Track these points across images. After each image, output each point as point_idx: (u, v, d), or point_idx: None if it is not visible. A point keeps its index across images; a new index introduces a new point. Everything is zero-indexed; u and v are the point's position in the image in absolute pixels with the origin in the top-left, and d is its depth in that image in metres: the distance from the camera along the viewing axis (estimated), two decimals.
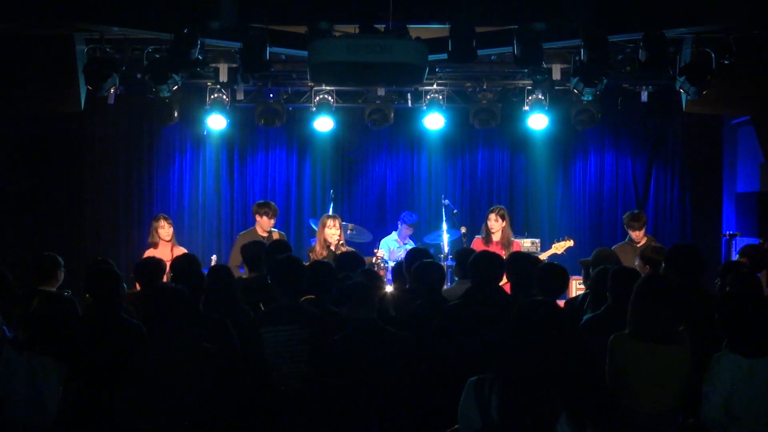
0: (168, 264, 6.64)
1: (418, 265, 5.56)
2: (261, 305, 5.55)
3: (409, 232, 9.34)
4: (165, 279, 6.69)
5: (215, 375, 4.35)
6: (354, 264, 6.11)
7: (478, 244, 8.43)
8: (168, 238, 8.53)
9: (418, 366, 4.46)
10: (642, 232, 8.38)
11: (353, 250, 7.76)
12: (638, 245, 8.19)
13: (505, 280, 5.51)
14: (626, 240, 8.52)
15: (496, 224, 8.57)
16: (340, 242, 8.15)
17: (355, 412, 4.30)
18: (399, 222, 9.42)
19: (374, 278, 5.52)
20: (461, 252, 6.60)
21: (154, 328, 4.46)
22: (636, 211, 8.61)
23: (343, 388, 4.31)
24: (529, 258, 5.86)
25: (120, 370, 4.44)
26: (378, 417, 4.31)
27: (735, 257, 7.76)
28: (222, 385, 4.41)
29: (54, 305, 5.46)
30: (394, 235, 9.41)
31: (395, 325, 4.86)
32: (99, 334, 4.77)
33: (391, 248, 9.14)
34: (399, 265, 6.44)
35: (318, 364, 4.49)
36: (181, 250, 8.28)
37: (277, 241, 7.93)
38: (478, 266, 5.23)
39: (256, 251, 6.67)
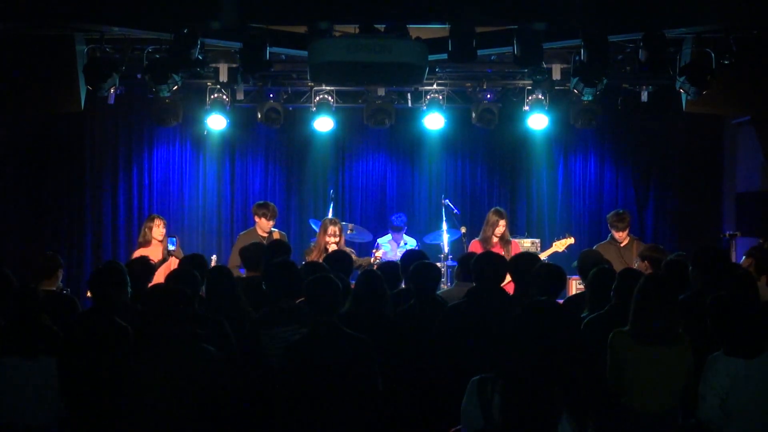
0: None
1: (416, 265, 5.53)
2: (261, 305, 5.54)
3: (398, 235, 9.13)
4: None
5: (215, 377, 4.32)
6: (342, 265, 6.08)
7: (475, 247, 8.28)
8: (160, 238, 8.48)
9: (375, 368, 4.38)
10: (626, 232, 8.52)
11: (345, 251, 7.66)
12: (621, 245, 8.42)
13: (508, 278, 5.51)
14: (608, 239, 8.61)
15: (503, 229, 8.54)
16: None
17: (319, 415, 4.25)
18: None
19: (375, 278, 5.50)
20: (466, 256, 6.55)
21: (153, 329, 4.43)
22: (621, 211, 8.68)
23: (304, 391, 4.26)
24: (532, 257, 5.88)
25: (112, 370, 4.43)
26: (341, 422, 4.26)
27: (738, 258, 7.76)
28: (222, 387, 4.37)
29: (53, 304, 5.45)
30: (389, 236, 9.33)
31: (390, 326, 4.85)
32: (91, 333, 4.76)
33: (385, 250, 9.07)
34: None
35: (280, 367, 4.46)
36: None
37: (276, 241, 7.90)
38: (481, 267, 5.23)
39: (255, 252, 6.67)
